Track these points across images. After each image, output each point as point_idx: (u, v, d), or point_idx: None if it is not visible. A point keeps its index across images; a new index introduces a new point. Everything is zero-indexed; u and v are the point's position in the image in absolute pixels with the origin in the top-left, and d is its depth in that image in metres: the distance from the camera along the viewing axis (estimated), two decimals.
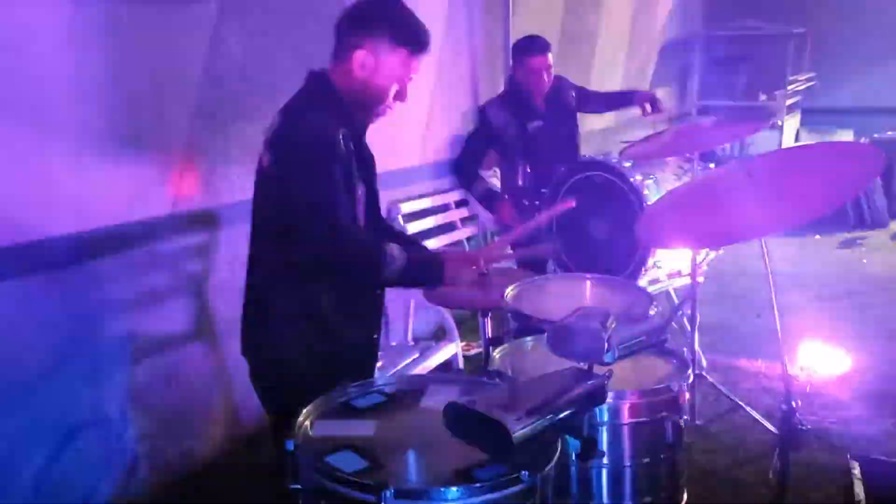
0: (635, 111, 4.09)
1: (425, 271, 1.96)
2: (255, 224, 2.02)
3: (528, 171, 3.85)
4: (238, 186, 3.13)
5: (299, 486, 1.40)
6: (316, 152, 1.84)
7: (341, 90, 1.94)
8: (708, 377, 3.62)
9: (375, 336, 2.11)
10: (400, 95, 1.97)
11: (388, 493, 1.24)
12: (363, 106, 1.97)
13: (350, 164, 1.92)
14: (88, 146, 2.62)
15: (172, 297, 3.07)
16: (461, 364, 3.78)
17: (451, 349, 3.70)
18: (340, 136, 1.88)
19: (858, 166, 1.89)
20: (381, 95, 1.94)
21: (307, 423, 1.50)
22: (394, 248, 1.87)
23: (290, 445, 1.39)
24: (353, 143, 1.94)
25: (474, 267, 1.96)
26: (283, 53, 3.25)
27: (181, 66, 2.90)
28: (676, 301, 3.94)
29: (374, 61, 1.90)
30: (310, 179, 1.83)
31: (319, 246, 1.85)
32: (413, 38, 1.92)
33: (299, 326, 1.95)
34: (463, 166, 3.94)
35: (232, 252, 3.17)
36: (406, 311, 4.12)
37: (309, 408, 1.55)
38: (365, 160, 2.03)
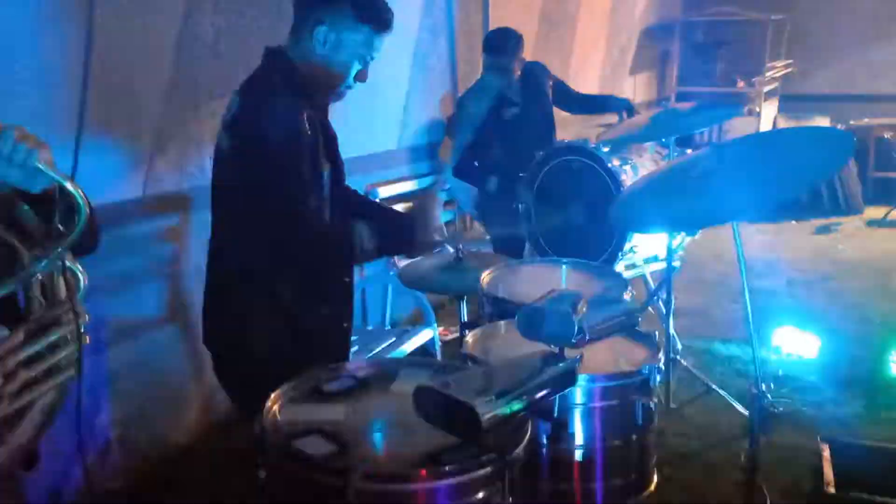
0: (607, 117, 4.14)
1: (397, 243, 1.99)
2: (217, 212, 1.96)
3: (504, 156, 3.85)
4: (210, 169, 3.09)
5: (267, 471, 1.38)
6: (282, 139, 1.79)
7: (300, 68, 1.89)
8: (682, 361, 3.65)
9: (346, 325, 2.08)
10: (361, 76, 1.94)
11: (355, 477, 1.24)
12: (323, 84, 1.92)
13: (316, 146, 1.89)
14: (56, 128, 2.57)
15: (144, 281, 3.04)
16: (438, 349, 3.78)
17: (428, 333, 3.69)
18: (305, 118, 1.85)
19: (829, 151, 1.90)
20: (342, 74, 1.90)
21: (275, 407, 1.49)
22: (363, 230, 1.86)
23: (258, 430, 1.38)
24: (320, 125, 1.91)
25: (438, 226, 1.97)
26: (256, 33, 3.20)
27: (152, 45, 2.84)
28: (653, 286, 3.96)
29: (335, 38, 1.86)
30: (276, 167, 1.79)
31: (289, 235, 1.82)
32: (376, 15, 1.88)
33: (265, 318, 1.91)
34: (465, 169, 3.94)
35: (205, 236, 3.11)
36: (384, 295, 4.11)
37: (277, 392, 1.53)
38: (329, 140, 1.99)
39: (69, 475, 2.77)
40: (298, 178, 1.82)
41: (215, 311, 2.01)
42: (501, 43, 3.74)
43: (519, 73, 3.78)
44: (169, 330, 3.13)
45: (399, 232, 1.99)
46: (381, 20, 1.89)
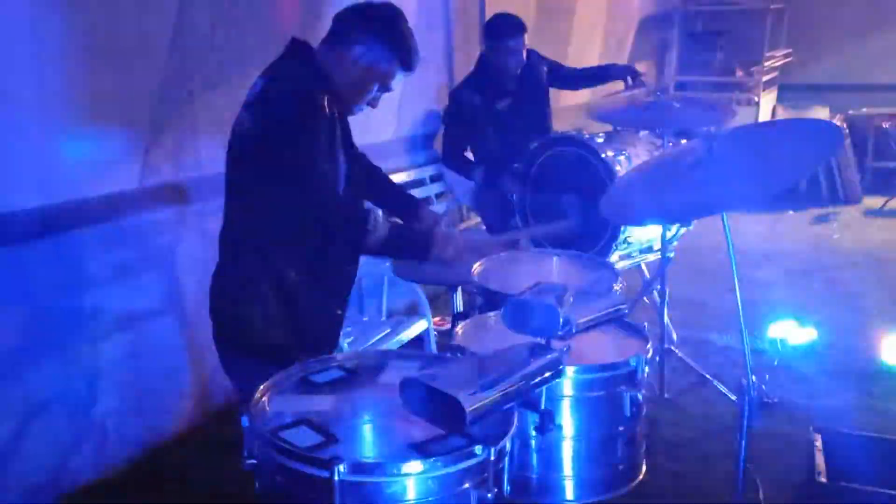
0: (613, 87, 4.07)
1: (411, 247, 2.06)
2: (230, 189, 2.02)
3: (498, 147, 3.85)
4: (206, 159, 3.10)
5: (255, 462, 1.40)
6: (300, 111, 1.88)
7: (326, 70, 1.99)
8: (677, 351, 3.66)
9: (339, 312, 2.12)
10: (374, 101, 2.09)
11: (341, 468, 1.25)
12: (342, 95, 2.02)
13: (333, 129, 1.98)
14: (52, 118, 2.57)
15: (141, 272, 3.05)
16: (433, 340, 3.79)
17: (423, 324, 3.70)
18: (325, 100, 1.94)
19: (819, 142, 1.90)
20: (362, 92, 2.03)
21: (264, 398, 1.50)
22: (378, 216, 1.92)
23: (245, 421, 1.39)
24: (337, 111, 2.00)
25: (460, 251, 2.05)
26: (252, 24, 3.20)
27: (148, 35, 2.84)
28: (648, 276, 3.97)
29: (367, 61, 1.99)
30: (294, 138, 1.86)
31: (303, 206, 1.89)
32: (407, 57, 2.04)
33: (264, 291, 1.97)
34: (451, 159, 3.96)
35: (201, 227, 3.14)
36: (380, 286, 4.12)
37: (266, 383, 1.54)
38: (345, 129, 2.10)
39: (65, 466, 2.79)
40: (316, 148, 1.90)
41: (221, 281, 2.06)
42: (503, 24, 3.73)
43: (525, 56, 3.76)
44: (165, 321, 3.14)
45: (414, 243, 2.07)
46: (410, 62, 2.05)
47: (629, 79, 3.91)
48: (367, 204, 2.16)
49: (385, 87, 2.07)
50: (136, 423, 3.03)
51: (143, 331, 3.04)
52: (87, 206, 2.76)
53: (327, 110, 1.95)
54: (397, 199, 2.41)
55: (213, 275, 2.09)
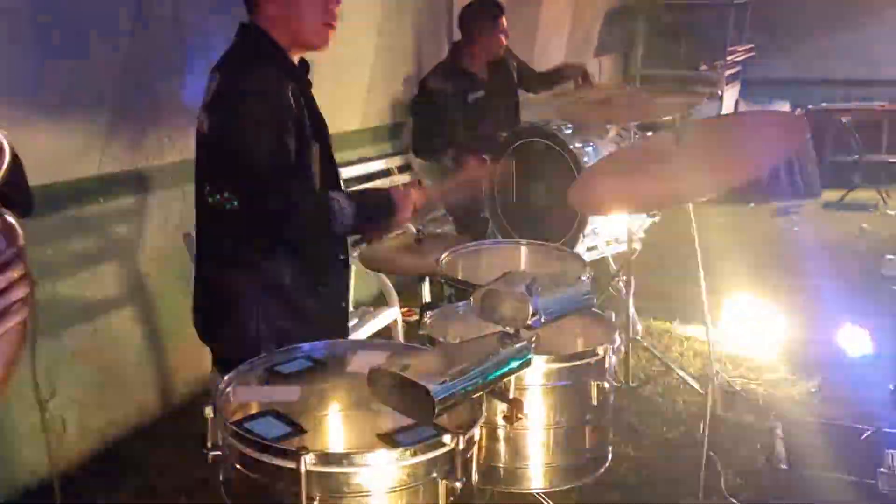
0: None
1: (377, 209, 1.96)
2: (201, 200, 1.93)
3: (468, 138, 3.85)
4: (169, 147, 3.04)
5: (219, 453, 1.37)
6: (262, 107, 1.78)
7: (278, 27, 1.87)
8: (642, 341, 3.70)
9: (344, 304, 2.08)
10: (328, 17, 1.89)
11: (307, 458, 1.23)
12: (299, 43, 1.89)
13: (302, 121, 1.86)
14: (7, 104, 2.50)
15: (102, 261, 2.99)
16: (401, 330, 3.78)
17: (391, 315, 3.69)
18: (289, 91, 1.83)
19: (784, 133, 1.93)
20: (310, 24, 1.87)
21: (228, 389, 1.48)
22: (340, 197, 1.86)
23: (209, 412, 1.37)
24: (304, 100, 1.89)
25: (419, 199, 1.99)
26: (216, 8, 3.14)
27: (109, 19, 2.77)
28: (614, 268, 4.00)
29: None
30: (256, 136, 1.77)
31: (270, 206, 1.80)
32: None
33: (264, 305, 1.89)
34: (422, 147, 3.98)
35: (163, 215, 3.09)
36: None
37: (231, 374, 1.52)
38: (317, 118, 1.97)
39: (23, 458, 2.73)
40: (279, 144, 1.79)
41: (212, 303, 1.97)
42: (496, 6, 3.79)
43: (505, 43, 3.82)
44: (126, 311, 3.08)
45: (379, 204, 1.99)
46: None
47: (579, 79, 4.06)
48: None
49: (327, 4, 1.88)
50: (97, 416, 2.97)
51: (103, 321, 2.98)
52: (46, 194, 2.69)
53: (292, 102, 1.83)
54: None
55: (198, 297, 2.00)
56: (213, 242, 1.96)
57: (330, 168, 2.04)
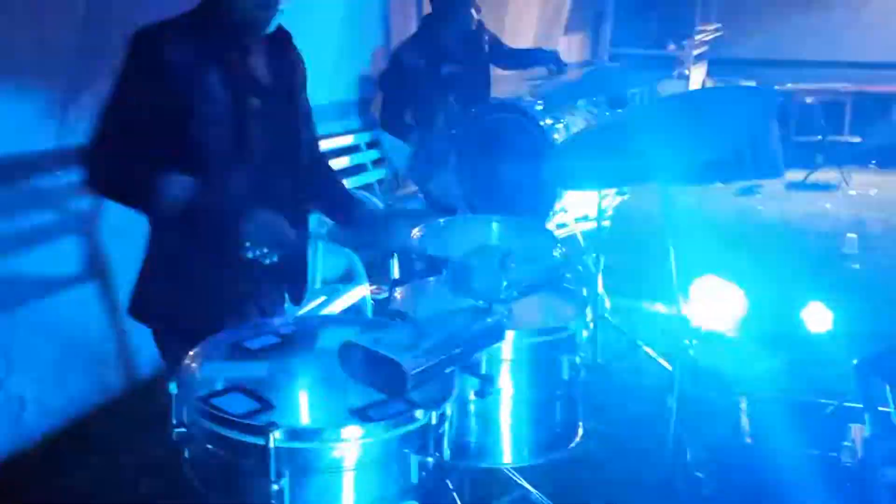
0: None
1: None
2: None
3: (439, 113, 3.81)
4: None
5: (184, 430, 1.34)
6: (127, 65, 1.73)
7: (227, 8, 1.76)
8: (610, 319, 3.72)
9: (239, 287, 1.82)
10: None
11: (276, 435, 1.20)
12: (248, 22, 1.79)
13: (204, 89, 1.72)
14: None
15: (59, 236, 2.90)
16: (370, 307, 3.74)
17: (360, 291, 3.65)
18: (187, 57, 1.70)
19: (753, 108, 1.92)
20: None
21: (193, 364, 1.44)
22: (181, 179, 1.68)
23: (173, 388, 1.33)
24: (239, 58, 1.79)
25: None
26: None
27: None
28: (583, 245, 4.00)
29: None
30: (111, 94, 1.72)
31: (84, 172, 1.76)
32: None
33: (170, 276, 1.81)
34: (391, 122, 3.89)
35: None
36: (314, 253, 4.03)
37: (197, 349, 1.48)
38: (256, 78, 1.87)
39: None
40: (121, 103, 1.74)
41: (141, 278, 1.89)
42: None
43: (478, 17, 3.76)
44: (88, 288, 3.01)
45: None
46: None
47: (552, 66, 4.05)
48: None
49: None
50: (57, 394, 2.90)
51: (62, 298, 2.90)
52: (1, 166, 2.60)
53: (175, 51, 1.70)
54: (335, 197, 2.17)
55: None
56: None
57: (275, 140, 1.92)
